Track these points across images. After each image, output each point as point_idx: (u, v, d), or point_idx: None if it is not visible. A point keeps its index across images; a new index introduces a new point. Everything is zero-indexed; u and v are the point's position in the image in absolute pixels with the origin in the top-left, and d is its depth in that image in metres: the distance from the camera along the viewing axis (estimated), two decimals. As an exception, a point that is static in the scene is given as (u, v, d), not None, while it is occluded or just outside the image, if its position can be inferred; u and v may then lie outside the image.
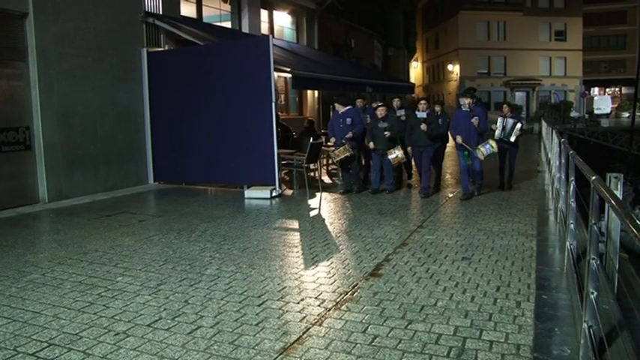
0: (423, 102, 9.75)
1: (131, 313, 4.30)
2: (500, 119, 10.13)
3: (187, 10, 14.00)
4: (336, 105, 10.36)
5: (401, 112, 10.64)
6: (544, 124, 19.99)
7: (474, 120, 9.01)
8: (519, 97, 49.66)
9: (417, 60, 58.00)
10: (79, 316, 4.24)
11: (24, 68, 9.43)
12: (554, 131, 10.83)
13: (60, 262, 5.84)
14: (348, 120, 10.09)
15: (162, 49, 12.08)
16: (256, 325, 3.99)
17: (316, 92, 19.06)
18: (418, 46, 57.71)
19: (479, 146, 8.98)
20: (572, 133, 29.61)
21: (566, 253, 4.99)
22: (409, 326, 3.92)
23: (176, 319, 4.15)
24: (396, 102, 11.16)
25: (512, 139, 10.00)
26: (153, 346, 3.68)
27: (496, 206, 8.50)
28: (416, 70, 57.43)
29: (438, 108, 10.17)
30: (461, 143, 9.13)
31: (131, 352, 3.59)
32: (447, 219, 7.70)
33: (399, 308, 4.28)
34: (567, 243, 4.91)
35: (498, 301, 4.40)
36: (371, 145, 9.91)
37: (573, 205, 4.87)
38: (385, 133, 9.60)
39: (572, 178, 5.04)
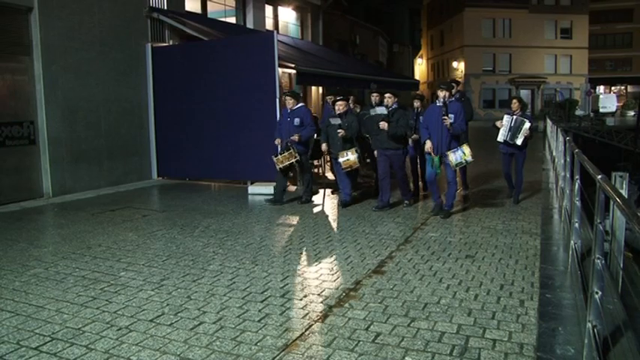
0: (388, 95, 8.08)
1: (134, 308, 4.30)
2: (506, 117, 8.43)
3: (192, 5, 13.98)
4: (286, 100, 8.74)
5: (381, 110, 8.49)
6: (549, 122, 19.92)
7: (446, 118, 7.30)
8: (524, 94, 49.33)
9: (421, 57, 57.83)
10: (81, 311, 4.24)
11: (28, 63, 9.44)
12: (559, 129, 10.79)
13: (63, 256, 5.85)
14: (297, 120, 8.57)
15: (166, 44, 12.08)
16: (259, 321, 3.98)
17: (320, 88, 19.02)
18: (423, 43, 57.55)
19: (448, 152, 7.30)
20: (577, 132, 29.49)
21: (570, 252, 4.96)
22: (412, 324, 3.91)
23: (179, 314, 4.15)
24: (374, 97, 9.03)
25: (519, 141, 8.24)
26: (155, 341, 3.68)
27: (500, 204, 8.46)
28: (421, 67, 57.26)
29: (417, 104, 8.76)
30: (427, 151, 7.50)
31: (133, 347, 3.59)
32: (453, 217, 7.67)
33: (402, 306, 4.27)
34: (572, 242, 4.89)
35: (502, 299, 4.39)
36: (323, 147, 8.63)
37: (578, 203, 4.84)
38: (339, 131, 8.21)
39: (578, 177, 5.02)
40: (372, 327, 3.87)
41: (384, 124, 7.81)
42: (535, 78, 49.02)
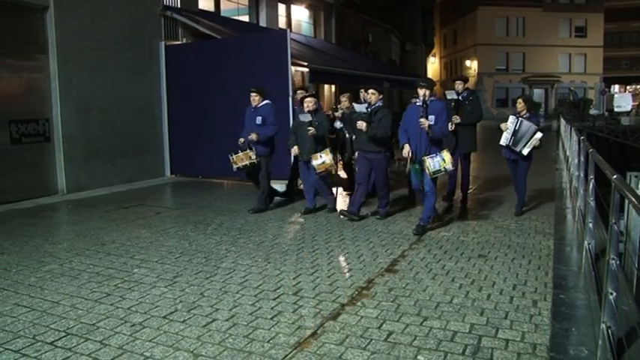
0: (371, 91, 7.24)
1: (147, 304, 4.33)
2: (512, 118, 7.36)
3: (205, 3, 14.05)
4: (252, 96, 7.92)
5: (360, 108, 7.59)
6: (562, 121, 19.77)
7: (422, 121, 6.39)
8: (538, 93, 49.11)
9: (434, 56, 57.68)
10: (96, 307, 4.28)
11: (44, 61, 9.54)
12: (572, 129, 10.70)
13: (78, 252, 5.90)
14: (259, 119, 7.80)
15: (180, 42, 12.13)
16: (271, 318, 4.00)
17: (333, 86, 19.02)
18: (436, 42, 57.41)
19: (425, 158, 6.41)
20: (592, 131, 29.21)
21: (584, 253, 4.93)
22: (424, 323, 3.91)
23: (192, 311, 4.17)
24: (362, 94, 8.27)
25: (526, 151, 7.22)
26: (168, 337, 3.70)
27: (513, 204, 8.40)
28: (433, 66, 57.10)
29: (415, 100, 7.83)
30: (407, 156, 6.59)
31: (147, 343, 3.62)
32: (463, 216, 7.65)
33: (415, 305, 4.27)
34: (585, 242, 4.86)
35: (515, 299, 4.37)
36: (294, 149, 7.89)
37: (592, 203, 4.80)
38: (309, 129, 7.50)
39: (592, 177, 4.98)
40: (384, 325, 3.87)
41: (361, 124, 7.00)
42: (549, 77, 48.65)
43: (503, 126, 7.38)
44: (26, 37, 9.29)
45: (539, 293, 4.50)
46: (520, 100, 7.53)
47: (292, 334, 3.72)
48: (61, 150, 9.69)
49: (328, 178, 7.91)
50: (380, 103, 7.23)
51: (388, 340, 3.64)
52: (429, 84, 6.72)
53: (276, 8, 16.88)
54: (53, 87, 9.60)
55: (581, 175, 6.23)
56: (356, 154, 7.63)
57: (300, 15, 19.05)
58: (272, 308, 4.21)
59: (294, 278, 4.94)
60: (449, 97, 8.16)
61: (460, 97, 8.16)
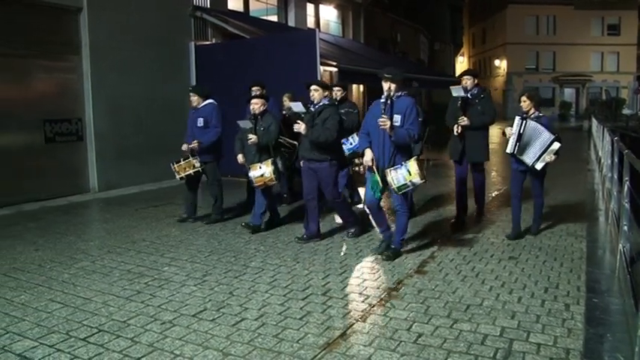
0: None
1: (177, 302, 4.37)
2: (517, 120, 6.00)
3: (235, 4, 14.14)
4: (190, 97, 7.34)
5: (298, 108, 7.09)
6: (594, 121, 19.41)
7: (382, 121, 5.11)
8: (568, 93, 48.31)
9: (463, 55, 57.06)
10: (127, 304, 4.34)
11: (77, 62, 9.75)
12: (605, 129, 10.49)
13: (109, 250, 6.00)
14: (200, 121, 7.12)
15: (209, 42, 12.23)
16: (300, 319, 4.00)
17: (361, 86, 18.97)
18: (464, 41, 56.74)
19: (388, 170, 5.20)
20: (625, 131, 28.61)
21: (618, 256, 4.82)
22: (454, 325, 3.87)
23: (221, 310, 4.20)
24: (336, 92, 7.54)
25: (539, 166, 5.90)
26: (198, 336, 3.73)
27: (544, 205, 8.26)
28: (462, 66, 56.36)
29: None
30: (369, 164, 5.40)
31: (177, 341, 3.65)
32: (493, 216, 7.54)
33: (444, 306, 4.23)
34: (620, 245, 4.75)
35: (546, 302, 4.29)
36: (239, 158, 6.99)
37: (627, 205, 4.70)
38: (249, 137, 6.54)
39: (627, 178, 4.87)
40: (413, 327, 3.84)
41: (299, 127, 5.92)
42: (580, 76, 47.73)
43: (507, 131, 6.09)
44: (60, 39, 9.49)
45: (571, 297, 4.42)
46: (524, 97, 6.04)
47: (321, 335, 3.72)
48: (93, 149, 9.87)
49: (270, 190, 6.85)
50: (326, 101, 6.07)
51: (418, 342, 3.61)
52: (395, 75, 5.38)
53: (304, 8, 16.91)
54: (86, 87, 9.79)
55: (615, 176, 6.10)
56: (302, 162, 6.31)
57: (329, 15, 19.06)
58: (301, 308, 4.21)
59: (322, 278, 4.93)
60: (454, 94, 7.03)
61: (469, 95, 6.94)
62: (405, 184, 5.14)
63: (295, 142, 7.22)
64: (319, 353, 3.45)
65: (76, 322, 3.99)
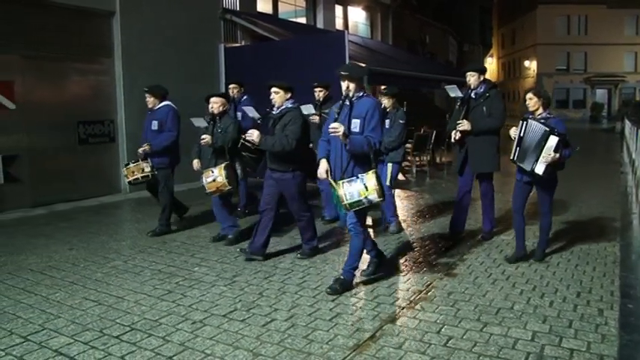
0: (273, 89, 5.65)
1: (207, 302, 4.41)
2: (522, 124, 5.22)
3: (263, 6, 14.23)
4: (147, 98, 6.91)
5: (253, 113, 6.95)
6: (627, 123, 19.00)
7: (332, 127, 4.39)
8: (600, 94, 47.36)
9: (492, 56, 56.52)
10: (158, 303, 4.40)
11: (110, 64, 9.92)
12: (638, 131, 10.25)
13: (140, 250, 6.08)
14: (154, 124, 6.73)
15: (239, 44, 12.33)
16: (329, 320, 4.00)
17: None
18: (494, 42, 56.19)
19: (341, 182, 4.45)
20: (659, 134, 27.95)
21: (655, 261, 4.72)
22: (485, 329, 3.83)
23: (251, 310, 4.23)
24: (317, 92, 7.41)
25: (540, 168, 4.96)
26: (228, 336, 3.76)
27: (576, 208, 8.13)
28: (491, 67, 55.91)
29: (386, 101, 6.60)
30: (322, 176, 4.77)
31: (207, 341, 3.69)
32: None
33: (474, 310, 4.19)
34: (657, 250, 4.65)
35: (579, 307, 4.22)
36: (194, 164, 6.67)
37: (664, 209, 4.60)
38: (203, 137, 6.21)
39: (664, 182, 4.76)
40: (443, 330, 3.81)
41: (251, 134, 5.34)
42: (612, 77, 46.72)
43: (512, 132, 5.32)
44: (94, 42, 9.67)
45: (605, 302, 4.34)
46: (530, 95, 5.24)
47: (351, 337, 3.71)
48: (125, 150, 10.02)
49: (229, 198, 6.47)
50: (289, 104, 5.54)
51: (447, 345, 3.58)
52: (353, 72, 4.68)
53: (333, 10, 16.93)
54: (118, 89, 9.96)
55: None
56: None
57: (357, 16, 19.04)
58: (330, 310, 4.21)
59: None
60: (451, 94, 6.25)
61: (473, 95, 6.03)
62: (360, 200, 4.37)
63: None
64: (349, 355, 3.45)
65: (109, 320, 4.05)
